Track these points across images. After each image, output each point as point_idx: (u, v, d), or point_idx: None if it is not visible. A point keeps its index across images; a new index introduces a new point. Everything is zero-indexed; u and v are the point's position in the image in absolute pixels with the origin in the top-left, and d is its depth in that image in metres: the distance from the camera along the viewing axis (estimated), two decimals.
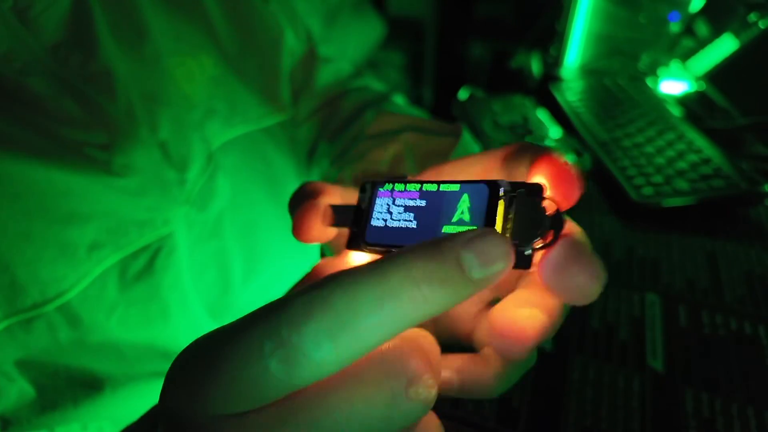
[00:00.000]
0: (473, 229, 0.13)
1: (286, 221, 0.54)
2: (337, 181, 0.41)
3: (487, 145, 0.60)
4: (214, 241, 0.41)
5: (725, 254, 0.46)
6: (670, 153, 0.56)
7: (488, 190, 0.15)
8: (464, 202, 0.15)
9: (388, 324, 0.12)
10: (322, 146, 0.48)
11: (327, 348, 0.12)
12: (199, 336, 0.14)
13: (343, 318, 0.12)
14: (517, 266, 0.14)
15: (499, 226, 0.15)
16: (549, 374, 0.36)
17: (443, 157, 0.38)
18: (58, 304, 0.30)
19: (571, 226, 0.16)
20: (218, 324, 0.17)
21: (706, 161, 0.54)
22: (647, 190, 0.51)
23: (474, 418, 0.34)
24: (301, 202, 0.19)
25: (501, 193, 0.15)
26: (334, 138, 0.46)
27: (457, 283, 0.12)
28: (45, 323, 0.30)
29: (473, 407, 0.35)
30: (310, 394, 0.13)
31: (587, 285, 0.14)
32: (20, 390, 0.32)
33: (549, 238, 0.14)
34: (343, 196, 0.20)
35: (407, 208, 0.16)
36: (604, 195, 0.55)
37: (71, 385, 0.34)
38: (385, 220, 0.17)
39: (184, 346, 0.14)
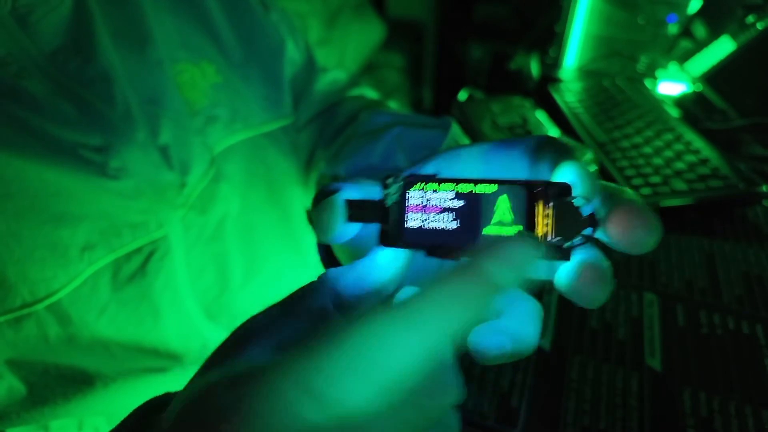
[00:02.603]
0: (506, 240, 0.14)
1: (286, 224, 0.53)
2: (332, 178, 0.42)
3: None
4: (215, 243, 0.41)
5: (723, 254, 0.47)
6: (668, 153, 0.57)
7: (526, 192, 0.16)
8: (503, 203, 0.16)
9: (423, 354, 0.13)
10: (319, 152, 0.49)
11: (362, 392, 0.12)
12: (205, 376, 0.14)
13: (374, 365, 0.12)
14: (559, 258, 0.16)
15: (540, 226, 0.16)
16: (548, 373, 0.36)
17: (432, 149, 0.38)
18: (48, 304, 0.30)
19: (628, 193, 0.17)
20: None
21: (704, 162, 0.54)
22: (645, 191, 0.52)
23: (473, 417, 0.34)
24: (320, 202, 0.19)
25: (538, 194, 0.16)
26: (330, 143, 0.47)
27: (485, 293, 0.13)
28: (34, 322, 0.30)
29: (473, 406, 0.35)
30: None
31: (645, 237, 0.16)
32: (9, 387, 0.32)
33: (586, 232, 0.16)
34: (360, 190, 0.20)
35: (445, 209, 0.17)
36: None
37: (61, 381, 0.34)
38: (423, 221, 0.17)
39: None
